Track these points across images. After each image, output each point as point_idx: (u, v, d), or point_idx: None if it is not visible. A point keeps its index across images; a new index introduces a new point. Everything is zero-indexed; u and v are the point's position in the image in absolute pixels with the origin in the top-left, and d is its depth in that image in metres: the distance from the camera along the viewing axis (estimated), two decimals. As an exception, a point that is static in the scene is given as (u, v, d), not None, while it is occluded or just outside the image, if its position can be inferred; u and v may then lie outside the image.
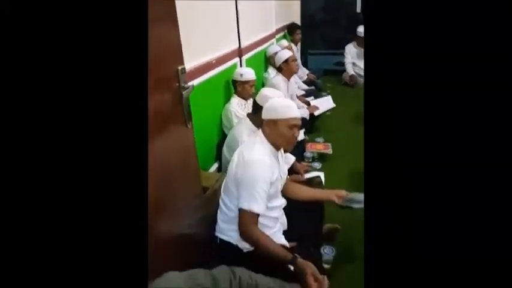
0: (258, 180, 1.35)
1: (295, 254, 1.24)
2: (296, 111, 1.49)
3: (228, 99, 2.48)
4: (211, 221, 1.53)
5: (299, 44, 4.81)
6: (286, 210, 1.57)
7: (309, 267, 1.20)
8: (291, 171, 2.14)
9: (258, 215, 1.35)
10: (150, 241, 1.19)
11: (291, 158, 2.19)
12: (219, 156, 2.29)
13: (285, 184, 1.64)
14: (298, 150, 2.47)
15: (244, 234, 1.35)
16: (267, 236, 1.35)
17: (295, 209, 1.58)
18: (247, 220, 1.34)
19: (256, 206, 1.33)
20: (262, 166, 1.37)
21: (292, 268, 1.25)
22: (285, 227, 1.54)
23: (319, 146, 2.78)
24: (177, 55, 1.34)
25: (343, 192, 1.60)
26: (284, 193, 1.60)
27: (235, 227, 1.40)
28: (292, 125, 1.45)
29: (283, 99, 1.62)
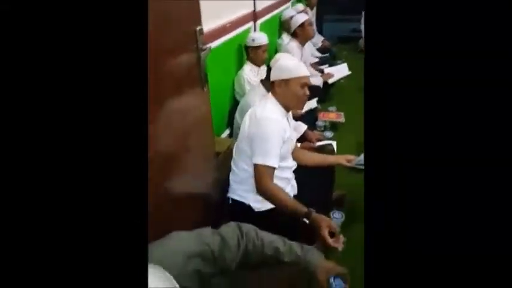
0: (271, 135, 1.37)
1: (311, 209, 1.27)
2: (305, 69, 1.48)
3: (241, 65, 2.44)
4: (223, 184, 1.56)
5: (315, 8, 4.64)
6: (297, 176, 1.59)
7: (325, 220, 1.22)
8: (303, 139, 2.14)
9: (273, 169, 1.37)
10: (163, 199, 1.23)
11: (303, 126, 2.18)
12: (230, 123, 2.29)
13: (295, 151, 1.64)
14: (310, 118, 2.45)
15: (260, 188, 1.38)
16: (283, 190, 1.38)
17: (305, 175, 1.60)
18: (262, 174, 1.37)
19: (270, 160, 1.36)
20: (275, 123, 1.39)
21: (307, 221, 1.27)
22: (295, 191, 1.56)
23: (332, 115, 2.75)
24: (196, 15, 1.33)
25: (352, 156, 1.61)
26: (294, 159, 1.61)
27: (247, 187, 1.44)
28: (303, 83, 1.46)
29: (291, 58, 1.60)
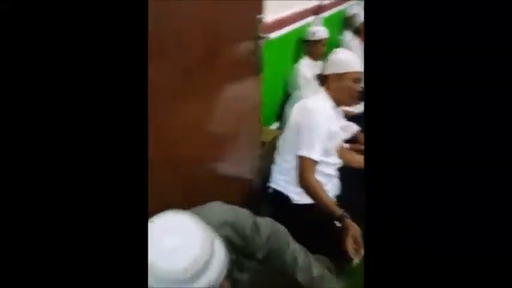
0: (317, 128, 1.37)
1: (346, 213, 1.26)
2: (361, 64, 1.45)
3: (298, 59, 2.44)
4: (267, 173, 1.59)
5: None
6: (341, 176, 1.57)
7: (354, 228, 1.21)
8: (354, 141, 2.09)
9: (316, 162, 1.38)
10: (207, 177, 1.28)
11: (354, 127, 2.13)
12: (280, 116, 2.30)
13: (343, 150, 1.62)
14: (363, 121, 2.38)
15: (301, 181, 1.39)
16: (323, 186, 1.39)
17: (349, 176, 1.58)
18: (305, 167, 1.37)
19: (314, 153, 1.37)
20: (324, 115, 1.40)
21: (338, 224, 1.27)
22: (337, 190, 1.55)
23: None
24: (258, 4, 1.36)
25: None
26: (340, 158, 1.59)
27: (288, 178, 1.46)
28: (357, 78, 1.44)
29: (348, 52, 1.58)
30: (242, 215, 0.93)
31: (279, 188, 1.51)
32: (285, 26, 2.21)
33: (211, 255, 0.68)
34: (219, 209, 0.91)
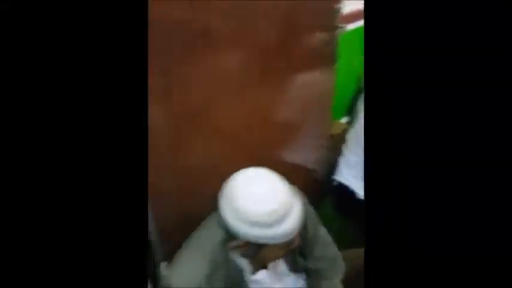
0: None
1: None
2: None
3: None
4: (333, 165, 1.57)
5: None
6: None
7: None
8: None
9: None
10: (272, 163, 1.32)
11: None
12: (351, 111, 2.22)
13: None
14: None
15: None
16: None
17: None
18: None
19: None
20: None
21: None
22: None
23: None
24: None
25: None
26: None
27: (355, 172, 1.43)
28: None
29: None
30: (311, 216, 0.95)
31: (344, 182, 1.48)
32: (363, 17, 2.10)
33: (292, 205, 0.74)
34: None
